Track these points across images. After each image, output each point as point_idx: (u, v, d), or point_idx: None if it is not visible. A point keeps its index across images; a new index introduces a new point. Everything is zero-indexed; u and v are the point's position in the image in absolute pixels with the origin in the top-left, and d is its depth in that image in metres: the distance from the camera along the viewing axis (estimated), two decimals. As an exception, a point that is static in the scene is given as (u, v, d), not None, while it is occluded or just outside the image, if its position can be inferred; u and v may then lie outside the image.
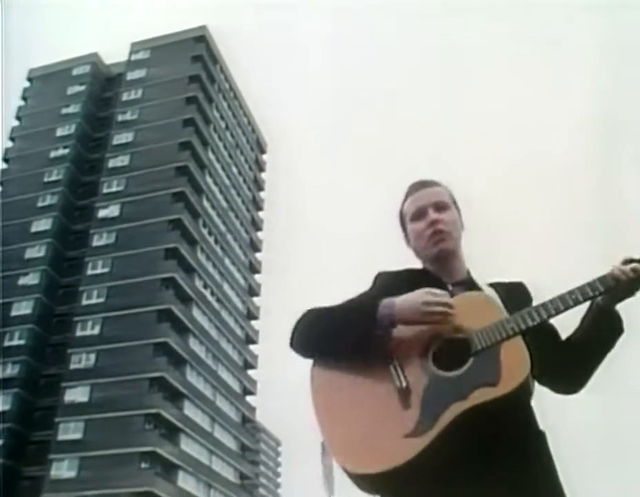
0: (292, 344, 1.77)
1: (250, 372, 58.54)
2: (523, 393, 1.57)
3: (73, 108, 56.29)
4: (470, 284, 1.79)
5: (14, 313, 46.94)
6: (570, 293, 1.61)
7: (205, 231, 52.61)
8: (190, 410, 45.91)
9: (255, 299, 62.26)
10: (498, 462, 1.52)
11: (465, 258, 1.88)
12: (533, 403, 1.67)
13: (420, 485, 1.52)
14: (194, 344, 48.05)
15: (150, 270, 45.81)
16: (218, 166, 57.13)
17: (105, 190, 51.13)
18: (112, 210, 49.92)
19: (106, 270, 47.42)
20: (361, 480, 1.57)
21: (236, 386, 54.59)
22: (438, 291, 1.63)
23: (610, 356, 1.72)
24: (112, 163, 52.33)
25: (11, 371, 44.87)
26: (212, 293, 52.35)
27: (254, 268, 62.99)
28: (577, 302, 1.61)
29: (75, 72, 58.47)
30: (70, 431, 41.64)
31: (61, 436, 41.54)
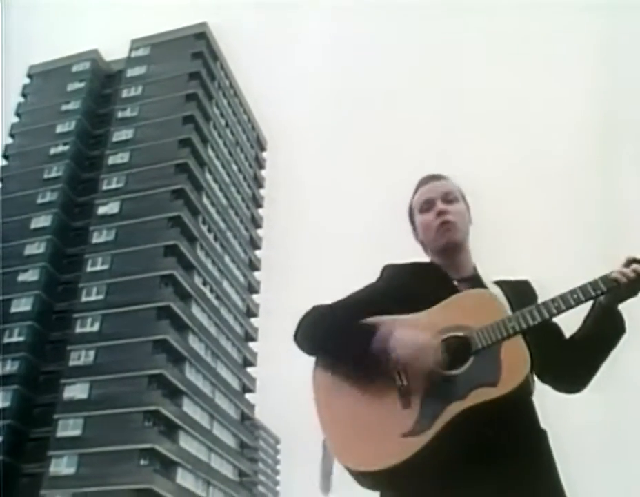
0: (296, 339, 1.77)
1: (249, 369, 58.57)
2: (524, 392, 1.57)
3: (73, 105, 56.25)
4: (475, 281, 1.79)
5: (13, 309, 46.94)
6: (572, 292, 1.60)
7: (204, 228, 52.60)
8: (189, 407, 45.93)
9: (254, 296, 62.29)
10: (498, 461, 1.52)
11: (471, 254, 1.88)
12: (535, 402, 1.67)
13: (418, 484, 1.52)
14: (193, 341, 48.07)
15: (149, 267, 45.81)
16: (218, 163, 57.10)
17: (104, 187, 51.11)
18: (111, 207, 49.91)
19: (106, 267, 47.43)
20: (362, 477, 1.58)
21: (235, 384, 54.62)
22: (429, 348, 1.58)
23: (612, 355, 1.72)
24: (111, 160, 52.30)
25: (10, 367, 44.89)
26: (212, 290, 52.36)
27: (253, 266, 62.99)
28: (579, 302, 1.61)
29: (75, 68, 58.41)
30: (69, 427, 41.66)
31: (60, 433, 41.55)
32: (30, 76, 59.36)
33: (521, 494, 1.51)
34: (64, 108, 56.11)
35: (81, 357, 44.31)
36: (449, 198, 1.82)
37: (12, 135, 56.68)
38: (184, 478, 43.60)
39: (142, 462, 40.47)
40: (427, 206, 1.83)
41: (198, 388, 47.73)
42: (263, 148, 69.78)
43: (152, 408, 41.65)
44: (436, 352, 1.59)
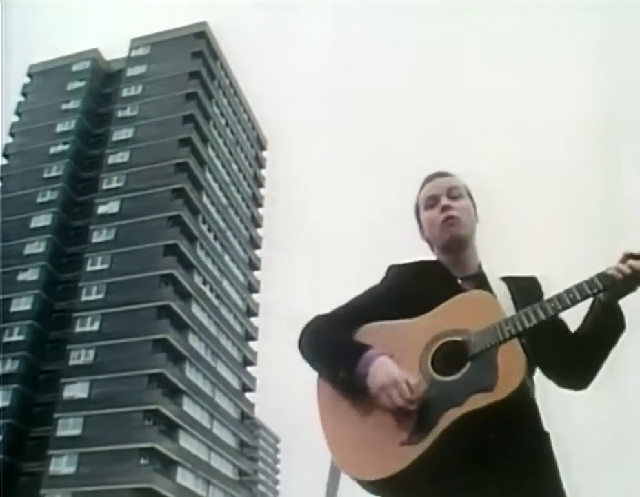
0: (300, 349, 1.79)
1: (249, 369, 58.58)
2: (523, 394, 1.55)
3: (73, 104, 56.25)
4: (480, 279, 1.78)
5: (13, 308, 46.94)
6: (568, 291, 1.59)
7: (204, 228, 52.60)
8: (189, 406, 45.94)
9: (254, 296, 62.30)
10: (499, 465, 1.52)
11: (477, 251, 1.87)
12: (538, 403, 1.67)
13: (419, 490, 1.53)
14: (193, 340, 48.07)
15: (149, 267, 45.81)
16: (218, 163, 57.10)
17: (104, 186, 51.11)
18: (111, 207, 49.91)
19: (105, 266, 47.43)
20: (365, 484, 1.59)
21: (235, 383, 54.63)
22: (406, 387, 1.55)
23: (614, 354, 1.71)
24: (111, 159, 52.30)
25: (10, 366, 44.91)
26: (212, 290, 52.36)
27: (253, 265, 63.00)
28: (576, 301, 1.59)
29: (75, 68, 58.40)
30: (69, 426, 41.68)
31: (60, 432, 41.57)
32: (30, 75, 59.35)
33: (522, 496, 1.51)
34: (64, 107, 56.10)
35: (80, 356, 44.32)
36: (454, 194, 1.82)
37: (12, 134, 56.68)
38: (184, 477, 43.62)
39: (142, 461, 40.48)
40: (432, 202, 1.83)
41: (198, 387, 47.73)
42: (263, 148, 69.77)
43: (152, 407, 41.65)
44: (418, 388, 1.57)
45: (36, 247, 49.68)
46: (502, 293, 1.73)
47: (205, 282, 51.39)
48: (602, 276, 1.59)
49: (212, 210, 54.63)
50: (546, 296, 1.70)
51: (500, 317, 1.60)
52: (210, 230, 53.60)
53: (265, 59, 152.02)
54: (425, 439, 1.51)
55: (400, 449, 1.52)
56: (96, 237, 49.07)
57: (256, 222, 65.21)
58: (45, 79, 57.78)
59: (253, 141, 67.06)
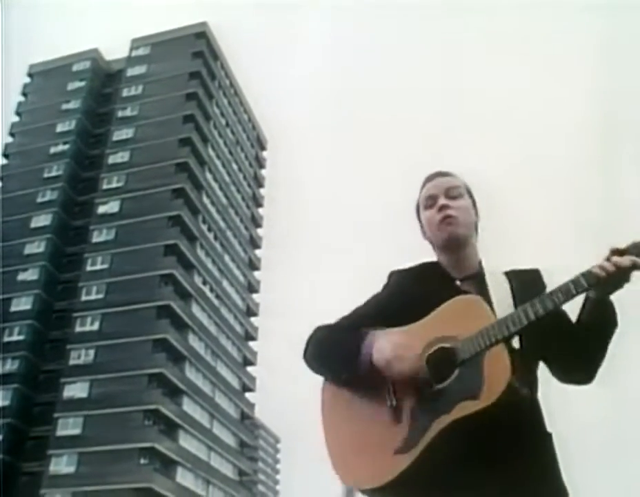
0: (305, 359, 1.81)
1: (249, 369, 58.58)
2: (517, 396, 1.54)
3: (73, 104, 56.25)
4: (479, 278, 1.78)
5: (13, 308, 46.95)
6: (552, 293, 1.57)
7: (204, 228, 52.60)
8: (188, 406, 45.94)
9: (254, 295, 62.30)
10: (496, 467, 1.52)
11: (478, 250, 1.87)
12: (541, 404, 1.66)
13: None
14: (193, 340, 48.07)
15: (149, 267, 45.82)
16: (218, 163, 57.10)
17: (104, 186, 51.11)
18: (111, 206, 49.91)
19: (105, 266, 47.43)
20: (364, 492, 1.62)
21: (235, 383, 54.63)
22: (408, 353, 1.59)
23: (615, 352, 1.69)
24: (112, 159, 52.30)
25: (10, 366, 44.91)
26: (212, 290, 52.36)
27: (253, 265, 62.99)
28: (561, 302, 1.57)
29: (75, 67, 58.40)
30: (69, 426, 41.68)
31: (60, 432, 41.57)
32: (30, 75, 59.35)
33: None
34: (64, 107, 56.11)
35: (80, 356, 44.32)
36: (452, 194, 1.82)
37: (12, 134, 56.68)
38: (184, 477, 43.61)
39: (142, 460, 40.48)
40: (430, 201, 1.84)
41: (198, 387, 47.73)
42: (263, 147, 69.77)
43: (152, 407, 41.65)
44: (420, 361, 1.59)
45: (36, 247, 49.69)
46: (502, 290, 1.72)
47: (205, 282, 51.39)
48: (587, 275, 1.56)
49: (212, 210, 54.63)
50: (549, 288, 1.68)
51: (487, 321, 1.59)
52: (210, 230, 53.59)
53: (266, 59, 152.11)
54: (416, 447, 1.54)
55: (394, 458, 1.56)
56: (96, 237, 49.07)
57: (256, 222, 65.21)
58: (46, 78, 57.78)
59: (253, 141, 67.06)
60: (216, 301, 52.83)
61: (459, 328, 1.60)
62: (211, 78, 57.72)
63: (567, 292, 1.56)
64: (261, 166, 68.99)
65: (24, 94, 58.60)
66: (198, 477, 45.57)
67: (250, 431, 60.00)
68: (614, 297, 1.62)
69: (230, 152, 60.22)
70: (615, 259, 1.54)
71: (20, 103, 58.10)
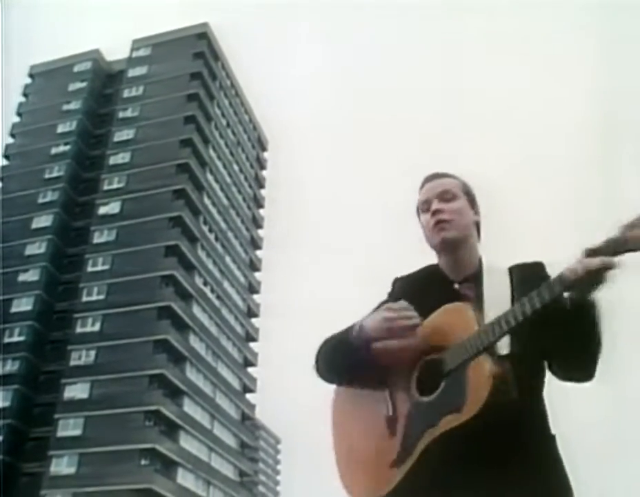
0: (316, 371, 1.85)
1: (250, 369, 58.59)
2: (513, 402, 1.51)
3: (74, 105, 56.27)
4: (477, 281, 1.76)
5: (14, 309, 46.96)
6: (530, 298, 1.50)
7: (205, 228, 52.61)
8: (189, 407, 45.94)
9: (255, 296, 62.29)
10: (489, 477, 1.51)
11: (478, 248, 1.85)
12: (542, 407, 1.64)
13: None
14: (194, 341, 48.08)
15: (150, 268, 45.82)
16: (219, 164, 57.11)
17: (105, 187, 51.12)
18: (112, 207, 49.92)
19: (106, 267, 47.44)
20: None
21: (235, 384, 54.62)
22: (396, 305, 1.65)
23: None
24: (112, 160, 52.31)
25: (11, 367, 44.92)
26: (212, 290, 52.37)
27: (254, 266, 62.99)
28: (537, 309, 1.50)
29: (76, 68, 58.42)
30: (70, 427, 41.68)
31: (61, 433, 41.57)
32: (31, 75, 59.38)
33: None
34: (65, 107, 56.13)
35: (81, 356, 44.33)
36: (446, 197, 1.82)
37: (12, 135, 56.71)
38: (184, 478, 43.60)
39: (142, 461, 40.47)
40: (425, 206, 1.84)
41: (199, 388, 47.73)
42: (264, 148, 69.78)
43: (153, 408, 41.65)
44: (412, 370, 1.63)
45: (37, 248, 49.70)
46: (500, 289, 1.70)
47: (206, 283, 51.40)
48: (560, 277, 1.49)
49: (213, 211, 54.64)
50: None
51: (471, 331, 1.56)
52: (210, 231, 53.60)
53: (266, 60, 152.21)
54: (407, 461, 1.56)
55: (389, 471, 1.59)
56: (97, 238, 49.08)
57: (257, 223, 65.22)
58: (46, 79, 57.81)
59: (254, 141, 67.08)
60: (217, 302, 52.83)
61: (447, 338, 1.60)
62: (212, 78, 57.73)
63: (542, 297, 1.49)
64: (262, 166, 69.00)
65: (25, 94, 58.63)
66: (199, 478, 45.56)
67: (251, 431, 59.99)
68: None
69: (231, 153, 60.23)
70: (585, 261, 1.46)
71: (21, 104, 58.12)
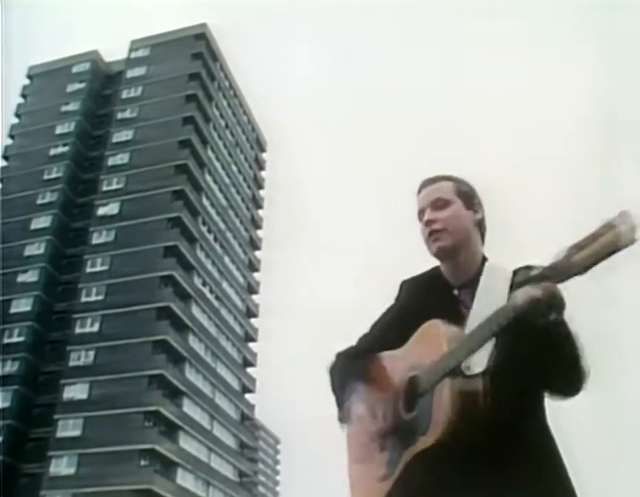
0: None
1: (249, 370, 58.60)
2: (479, 422, 1.48)
3: (73, 106, 56.26)
4: (475, 286, 1.74)
5: (13, 310, 46.95)
6: (489, 320, 1.47)
7: (204, 229, 52.62)
8: (189, 407, 45.94)
9: (254, 297, 62.31)
10: (485, 482, 1.51)
11: (480, 249, 1.82)
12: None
13: None
14: (193, 341, 48.08)
15: (149, 268, 45.82)
16: (217, 164, 57.12)
17: (104, 188, 51.12)
18: (111, 208, 49.92)
19: (105, 267, 47.44)
20: None
21: (235, 384, 54.63)
22: (364, 413, 1.66)
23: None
24: (111, 160, 52.31)
25: (10, 368, 44.91)
26: (211, 291, 52.37)
27: (253, 266, 63.02)
28: (496, 332, 1.46)
29: (75, 69, 58.41)
30: (69, 428, 41.67)
31: (60, 433, 41.56)
32: (29, 77, 59.35)
33: None
34: (64, 108, 56.12)
35: (80, 357, 44.32)
36: (438, 204, 1.79)
37: (11, 136, 56.68)
38: (184, 479, 43.60)
39: (142, 462, 40.47)
40: (420, 215, 1.84)
41: (198, 388, 47.73)
42: (262, 149, 69.80)
43: (152, 408, 41.65)
44: (387, 407, 1.65)
45: (36, 248, 49.69)
46: (494, 296, 1.63)
47: (205, 283, 51.40)
48: (512, 304, 1.43)
49: (212, 211, 54.64)
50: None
51: (439, 351, 1.55)
52: (209, 231, 53.61)
53: (265, 60, 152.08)
54: (390, 477, 1.60)
55: (378, 486, 1.63)
56: (96, 239, 49.07)
57: (255, 223, 65.23)
58: (45, 80, 57.79)
59: (253, 142, 67.10)
60: (216, 303, 52.84)
61: (424, 357, 1.59)
62: (210, 79, 57.74)
63: (498, 323, 1.45)
64: (261, 167, 69.03)
65: (23, 95, 58.60)
66: (199, 478, 45.56)
67: (250, 432, 60.00)
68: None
69: (230, 154, 60.24)
70: (529, 290, 1.40)
71: (19, 105, 58.09)
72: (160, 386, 43.05)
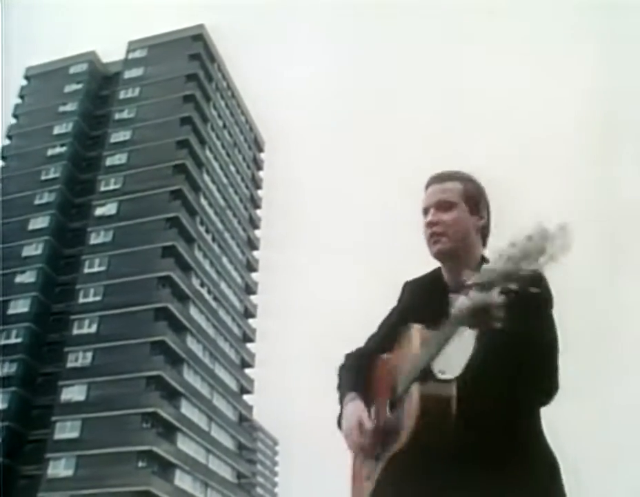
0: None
1: (247, 371, 58.57)
2: (449, 428, 1.48)
3: (70, 106, 56.23)
4: (470, 288, 1.73)
5: (11, 311, 46.90)
6: (442, 327, 1.45)
7: (202, 229, 52.59)
8: (187, 409, 45.90)
9: (252, 297, 62.26)
10: (467, 483, 1.52)
11: (480, 253, 1.80)
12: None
13: None
14: (191, 342, 48.03)
15: (146, 269, 45.78)
16: (215, 165, 57.09)
17: (102, 188, 51.08)
18: (109, 208, 49.88)
19: (103, 268, 47.39)
20: None
21: (233, 385, 54.59)
22: (361, 426, 1.67)
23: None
24: (109, 161, 52.28)
25: (8, 369, 44.84)
26: (209, 291, 52.33)
27: (251, 267, 62.97)
28: (450, 338, 1.44)
29: (72, 70, 58.37)
30: (67, 429, 41.62)
31: (58, 435, 41.51)
32: (27, 77, 59.31)
33: None
34: (61, 109, 56.08)
35: (78, 358, 44.27)
36: (443, 206, 1.77)
37: (9, 137, 56.65)
38: (182, 480, 43.56)
39: (140, 463, 40.44)
40: (424, 213, 1.82)
41: (196, 389, 47.70)
42: (260, 149, 69.78)
43: (150, 409, 41.62)
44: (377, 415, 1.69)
45: (33, 249, 49.64)
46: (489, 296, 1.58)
47: (202, 284, 51.36)
48: (455, 314, 1.40)
49: (210, 211, 54.62)
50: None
51: (412, 355, 1.56)
52: (207, 231, 53.58)
53: (263, 61, 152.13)
54: (373, 476, 1.66)
55: (365, 484, 1.69)
56: (94, 239, 49.03)
57: (253, 224, 65.20)
58: (43, 81, 57.74)
59: (250, 142, 67.08)
60: (214, 303, 52.80)
61: (404, 362, 1.60)
62: (208, 80, 57.72)
63: (450, 332, 1.44)
64: (259, 167, 69.01)
65: (21, 96, 58.58)
66: (197, 480, 45.53)
67: (248, 433, 59.97)
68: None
69: (228, 154, 60.22)
70: (474, 296, 1.34)
71: (17, 106, 58.07)
72: (158, 388, 43.01)
